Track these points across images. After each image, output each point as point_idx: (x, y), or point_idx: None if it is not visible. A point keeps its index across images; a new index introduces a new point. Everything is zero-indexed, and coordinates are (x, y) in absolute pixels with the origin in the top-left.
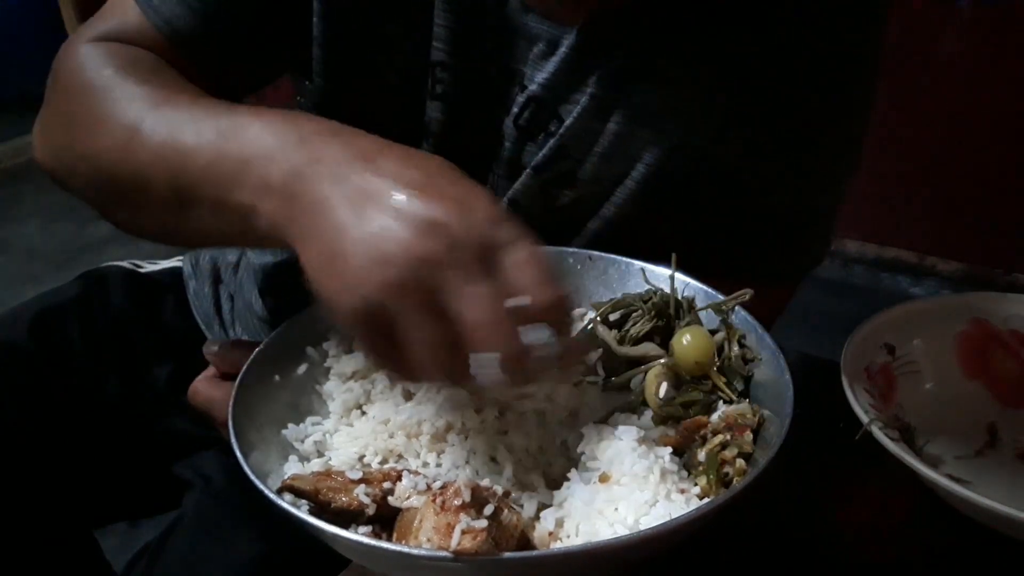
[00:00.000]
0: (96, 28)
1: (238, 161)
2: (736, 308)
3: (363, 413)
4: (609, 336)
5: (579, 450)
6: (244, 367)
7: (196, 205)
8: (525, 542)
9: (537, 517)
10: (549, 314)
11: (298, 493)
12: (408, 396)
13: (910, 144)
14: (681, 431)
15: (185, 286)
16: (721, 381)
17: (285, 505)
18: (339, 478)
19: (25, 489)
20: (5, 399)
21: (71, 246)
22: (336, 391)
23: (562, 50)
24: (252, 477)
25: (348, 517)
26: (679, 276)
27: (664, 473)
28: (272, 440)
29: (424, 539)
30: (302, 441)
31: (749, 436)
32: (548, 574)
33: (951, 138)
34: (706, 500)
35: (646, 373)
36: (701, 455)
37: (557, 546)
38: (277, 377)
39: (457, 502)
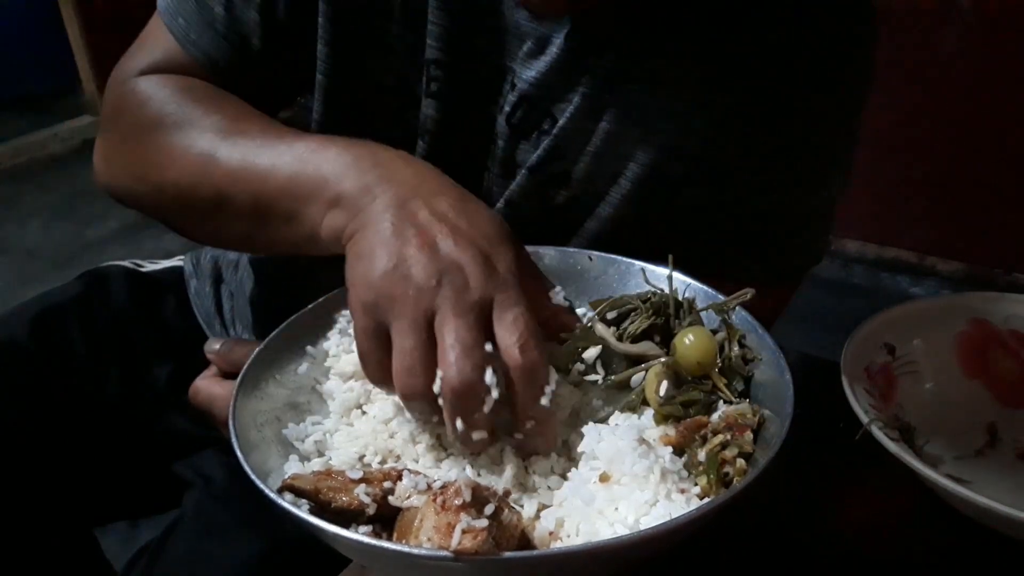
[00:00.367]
0: (142, 61)
1: (317, 178)
2: (736, 308)
3: (363, 413)
4: (607, 333)
5: (579, 450)
6: (245, 366)
7: (273, 219)
8: (525, 542)
9: (537, 517)
10: (523, 371)
11: (298, 492)
12: None
13: (910, 144)
14: (681, 431)
15: (186, 285)
16: (722, 382)
17: (285, 504)
18: (339, 478)
19: (25, 488)
20: (5, 399)
21: (71, 246)
22: (336, 390)
23: (553, 50)
24: (252, 476)
25: (348, 517)
26: (680, 276)
27: (664, 473)
28: (272, 439)
29: (424, 539)
30: (302, 440)
31: (749, 436)
32: (548, 574)
33: (951, 138)
34: (706, 500)
35: (646, 371)
36: (701, 455)
37: (557, 546)
38: (278, 376)
39: (457, 502)
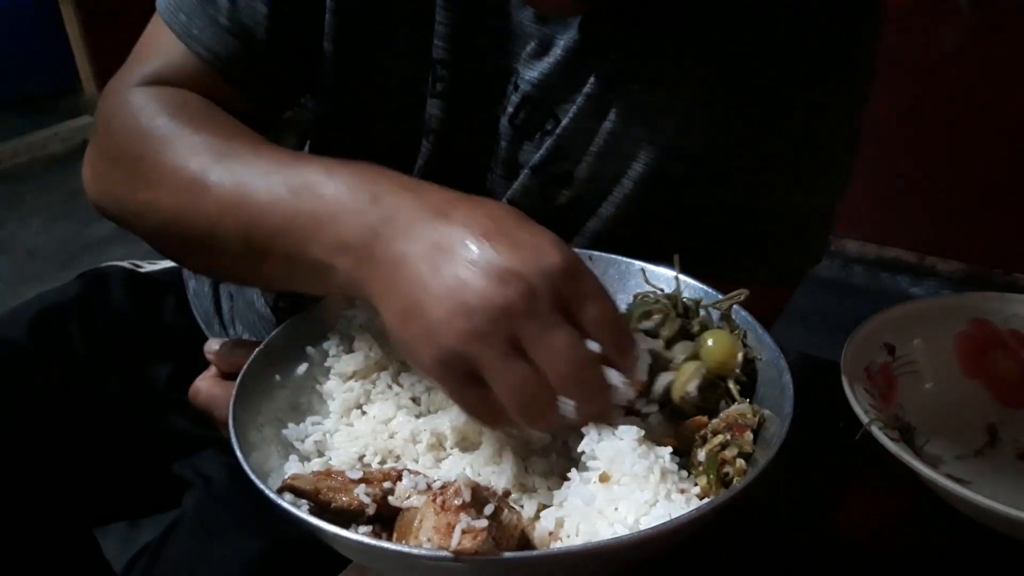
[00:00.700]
0: (139, 72)
1: (312, 219)
2: (736, 308)
3: (363, 413)
4: (655, 344)
5: (579, 450)
6: (245, 367)
7: (269, 258)
8: (525, 542)
9: (537, 517)
10: (626, 363)
11: (298, 493)
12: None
13: (910, 144)
14: (681, 431)
15: (185, 285)
16: (735, 387)
17: (285, 505)
18: (339, 478)
19: (25, 488)
20: (5, 399)
21: (71, 246)
22: (336, 391)
23: (556, 50)
24: (252, 477)
25: (348, 517)
26: (680, 276)
27: (664, 473)
28: (272, 440)
29: (424, 539)
30: (302, 441)
31: (749, 436)
32: (548, 574)
33: (951, 138)
34: (706, 500)
35: (676, 371)
36: (701, 455)
37: (557, 546)
38: (278, 377)
39: (457, 502)
